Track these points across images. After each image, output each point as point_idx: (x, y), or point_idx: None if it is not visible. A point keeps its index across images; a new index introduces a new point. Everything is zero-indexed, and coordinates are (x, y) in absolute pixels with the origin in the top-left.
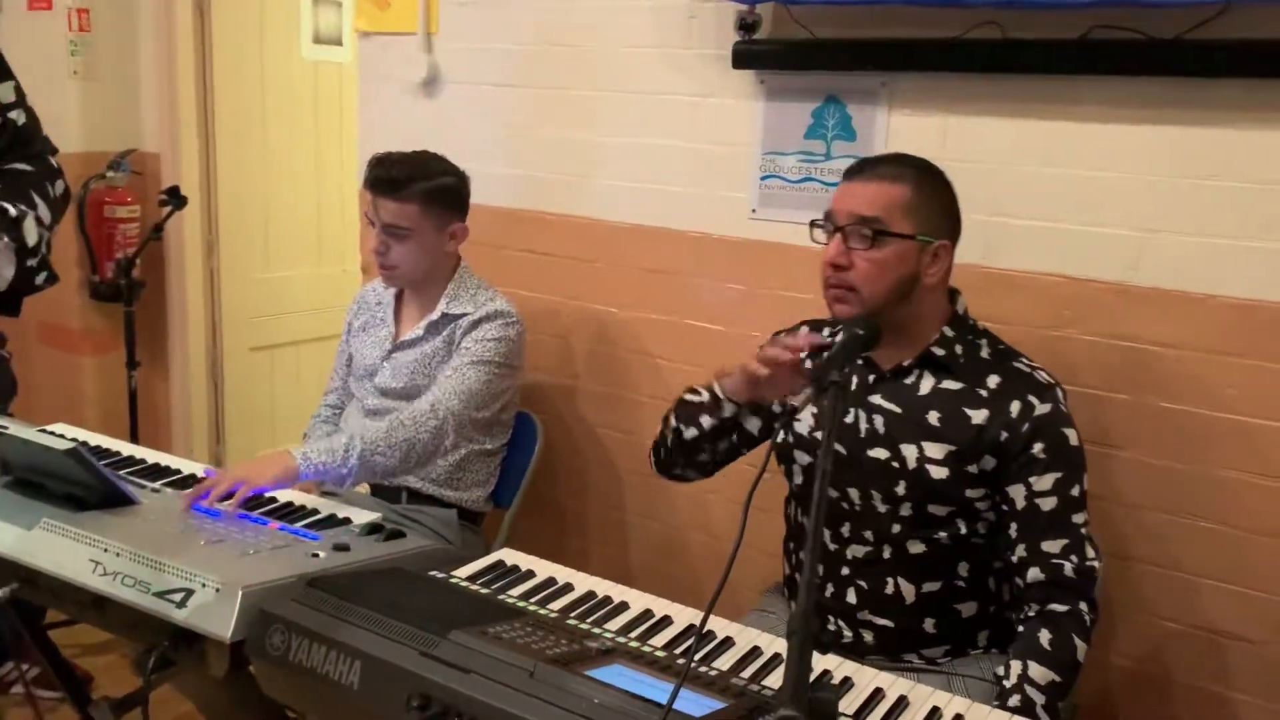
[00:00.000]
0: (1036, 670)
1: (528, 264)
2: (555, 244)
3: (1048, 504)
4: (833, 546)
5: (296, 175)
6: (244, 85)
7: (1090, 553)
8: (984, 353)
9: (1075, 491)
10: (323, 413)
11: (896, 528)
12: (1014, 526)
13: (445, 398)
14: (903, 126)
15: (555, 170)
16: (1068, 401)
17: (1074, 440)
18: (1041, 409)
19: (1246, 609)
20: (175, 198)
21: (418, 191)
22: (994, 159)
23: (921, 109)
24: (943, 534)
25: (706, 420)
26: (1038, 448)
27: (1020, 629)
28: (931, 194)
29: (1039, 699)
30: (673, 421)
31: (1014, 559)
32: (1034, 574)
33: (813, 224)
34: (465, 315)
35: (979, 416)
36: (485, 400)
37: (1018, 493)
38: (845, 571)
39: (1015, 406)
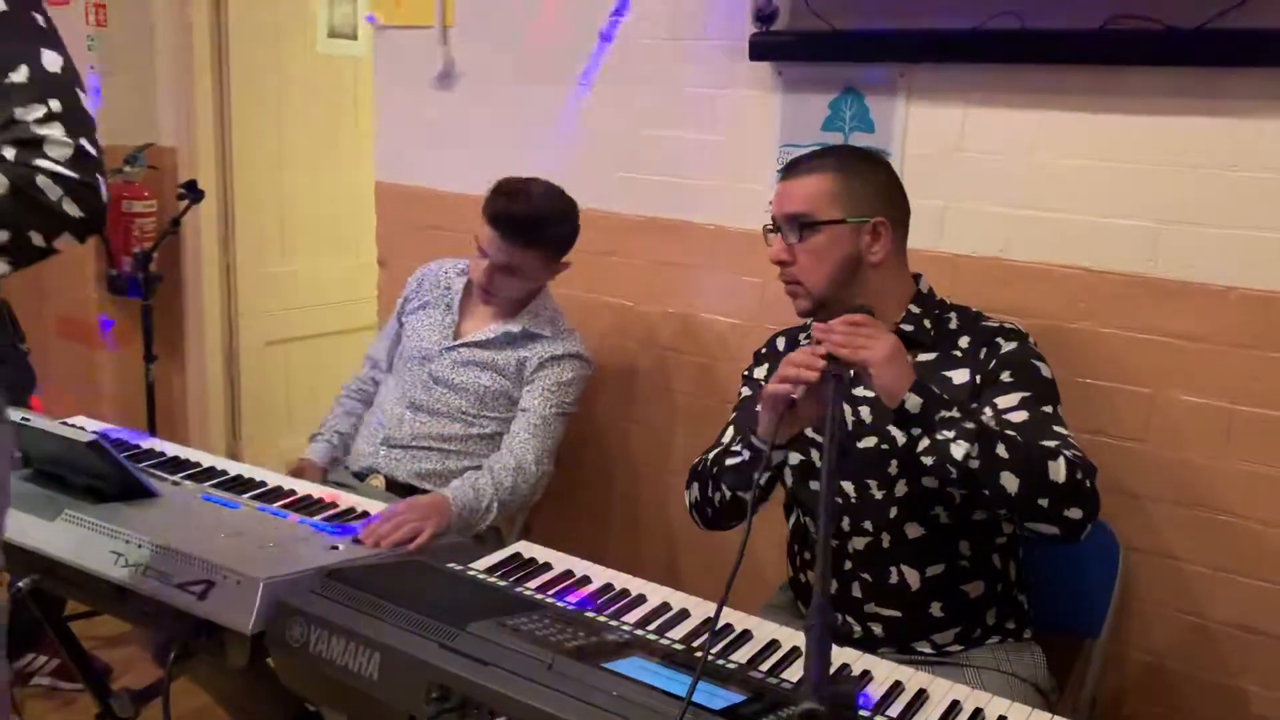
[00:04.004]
0: (1005, 432)
1: None
2: None
3: (1018, 416)
4: (834, 542)
5: (312, 169)
6: (260, 79)
7: (1085, 456)
8: (953, 324)
9: (1048, 410)
10: (353, 384)
11: (894, 511)
12: None
13: (543, 457)
14: (921, 118)
15: (570, 163)
16: (1038, 348)
17: (1045, 373)
18: (1008, 346)
19: (1266, 603)
20: (192, 191)
21: (541, 240)
22: (1013, 150)
23: (940, 100)
24: (939, 509)
25: (762, 477)
26: (1005, 375)
27: None
28: (857, 176)
29: (993, 424)
30: (726, 492)
31: None
32: None
33: (765, 229)
34: (544, 337)
35: (961, 375)
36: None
37: (987, 416)
38: (848, 566)
39: (984, 352)
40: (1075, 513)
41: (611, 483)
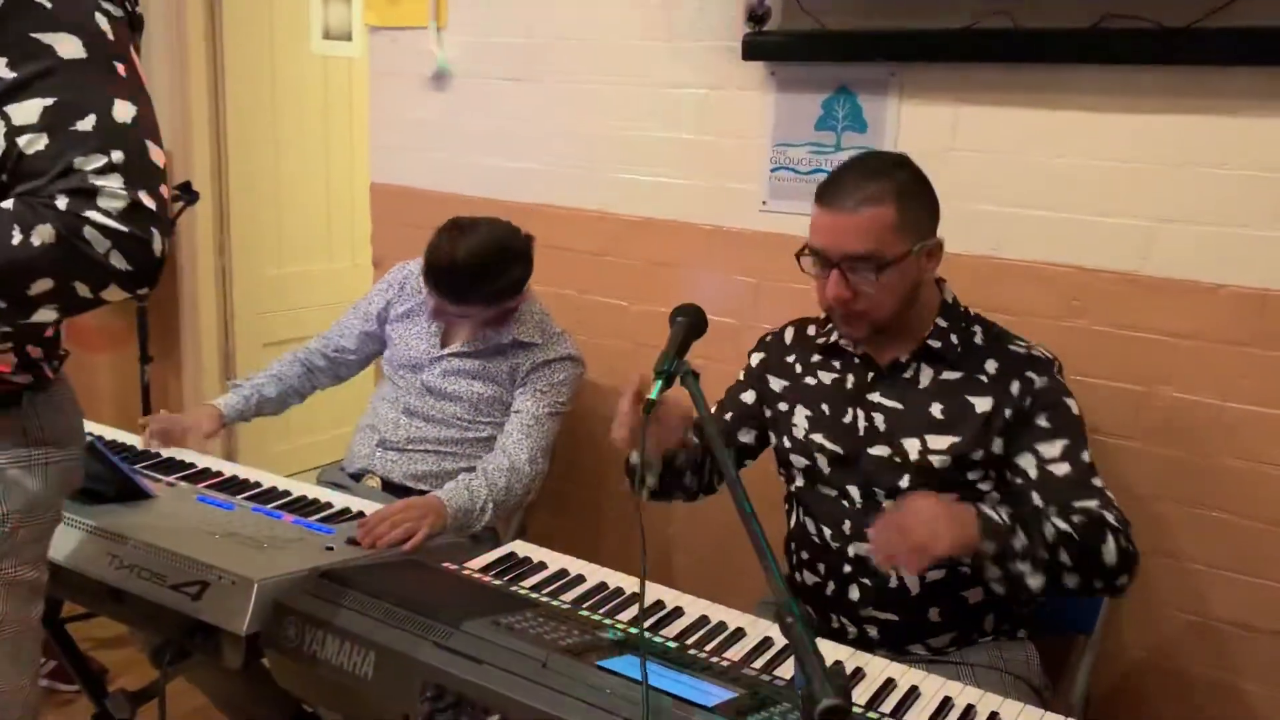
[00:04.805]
0: (1059, 521)
1: (538, 257)
2: (565, 237)
3: (1061, 469)
4: (834, 545)
5: (307, 171)
6: (255, 81)
7: (1120, 510)
8: (979, 339)
9: (1085, 458)
10: (301, 353)
11: None
12: (1037, 496)
13: (537, 456)
14: (913, 117)
15: (565, 163)
16: (1064, 375)
17: (1075, 410)
18: (1040, 382)
19: (1260, 600)
20: (187, 193)
21: (482, 298)
22: (1005, 149)
23: (932, 99)
24: None
25: (651, 480)
26: (1041, 418)
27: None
28: (914, 198)
29: (1050, 530)
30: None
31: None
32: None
33: (799, 256)
34: (533, 344)
35: (983, 404)
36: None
37: (1028, 462)
38: (847, 569)
39: (1016, 386)
40: (1124, 580)
41: (605, 482)
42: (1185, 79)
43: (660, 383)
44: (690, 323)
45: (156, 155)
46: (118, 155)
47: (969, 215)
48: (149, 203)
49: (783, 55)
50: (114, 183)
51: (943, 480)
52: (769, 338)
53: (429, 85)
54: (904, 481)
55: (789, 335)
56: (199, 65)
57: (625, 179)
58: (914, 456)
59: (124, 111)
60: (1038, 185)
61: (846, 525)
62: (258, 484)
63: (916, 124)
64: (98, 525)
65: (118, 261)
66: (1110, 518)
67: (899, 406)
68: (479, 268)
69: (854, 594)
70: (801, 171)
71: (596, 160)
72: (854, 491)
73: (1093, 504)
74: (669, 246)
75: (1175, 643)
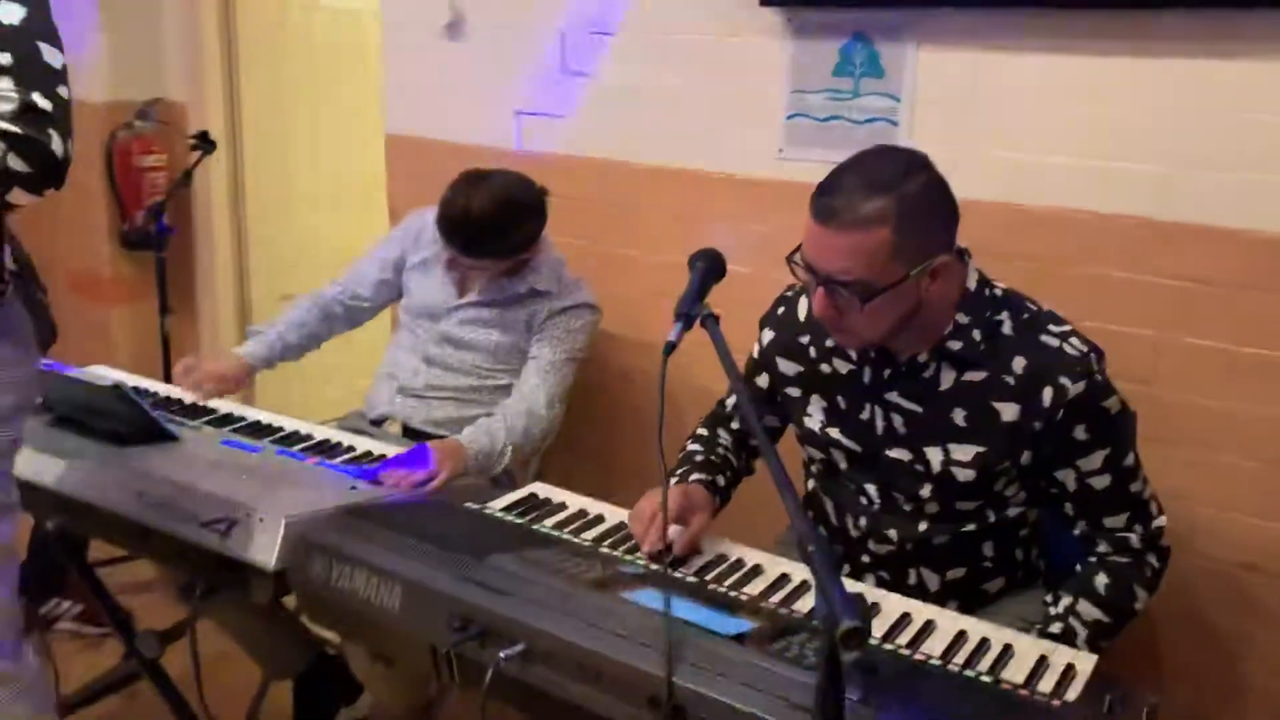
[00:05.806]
0: (1085, 606)
1: (552, 208)
2: (578, 187)
3: (1101, 482)
4: (853, 534)
5: (321, 122)
6: (268, 32)
7: (1154, 511)
8: (1006, 328)
9: (1129, 461)
10: (322, 299)
11: (923, 525)
12: (1069, 506)
13: (554, 401)
14: (931, 63)
15: (579, 112)
16: (1104, 365)
17: (1116, 409)
18: (1075, 389)
19: (1270, 542)
20: (205, 141)
21: (496, 251)
22: (1024, 95)
23: (950, 46)
24: (970, 526)
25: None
26: (1079, 430)
27: (1079, 567)
28: (920, 216)
29: (1081, 632)
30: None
31: (1075, 533)
32: (1102, 547)
33: (790, 260)
34: (549, 293)
35: (1009, 412)
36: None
37: (1068, 477)
38: (865, 559)
39: (1048, 393)
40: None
41: (620, 431)
42: (1206, 22)
43: (680, 325)
44: (709, 266)
45: (51, 56)
46: (5, 58)
47: (987, 161)
48: (43, 104)
49: (800, 1)
50: (3, 85)
51: (969, 492)
52: (781, 309)
53: (444, 35)
54: (925, 490)
55: (802, 309)
56: (210, 16)
57: (639, 127)
58: (936, 468)
59: (12, 13)
60: (1056, 131)
61: (864, 522)
62: (281, 428)
63: (935, 70)
64: (126, 464)
65: (16, 164)
66: (1134, 540)
67: (919, 410)
68: (492, 222)
69: (869, 582)
70: (818, 119)
71: (611, 108)
72: (872, 490)
73: (1121, 521)
74: (684, 196)
75: (1186, 586)
